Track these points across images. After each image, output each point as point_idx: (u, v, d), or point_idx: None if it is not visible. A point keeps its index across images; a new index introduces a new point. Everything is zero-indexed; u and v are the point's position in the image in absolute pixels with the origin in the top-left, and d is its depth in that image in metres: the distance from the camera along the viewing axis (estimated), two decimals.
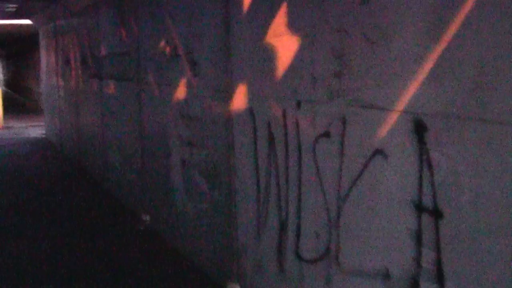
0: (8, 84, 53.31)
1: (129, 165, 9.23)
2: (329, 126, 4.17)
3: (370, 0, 3.73)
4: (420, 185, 3.39)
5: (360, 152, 3.89)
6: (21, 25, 20.16)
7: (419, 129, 3.37)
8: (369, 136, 3.81)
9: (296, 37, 4.48)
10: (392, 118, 3.58)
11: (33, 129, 20.73)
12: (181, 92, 6.78)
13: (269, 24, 4.84)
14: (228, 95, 5.64)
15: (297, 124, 4.54)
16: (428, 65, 3.30)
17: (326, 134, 4.22)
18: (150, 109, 8.01)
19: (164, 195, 7.63)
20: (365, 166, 3.86)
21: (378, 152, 3.75)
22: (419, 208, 3.41)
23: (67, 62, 13.92)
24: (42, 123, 20.52)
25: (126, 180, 9.45)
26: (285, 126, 4.71)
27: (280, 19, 4.68)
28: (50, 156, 15.09)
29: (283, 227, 4.89)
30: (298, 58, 4.47)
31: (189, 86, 6.55)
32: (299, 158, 4.56)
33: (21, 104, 34.09)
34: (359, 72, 3.86)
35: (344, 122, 4.03)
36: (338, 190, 4.14)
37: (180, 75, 6.77)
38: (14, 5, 13.59)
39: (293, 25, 4.52)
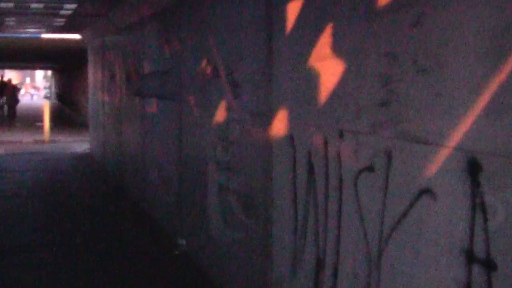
0: (59, 97, 53.96)
1: (167, 187, 8.97)
2: (373, 159, 3.83)
3: (422, 21, 3.39)
4: (472, 231, 3.02)
5: (406, 190, 3.53)
6: (71, 40, 20.23)
7: (473, 168, 3.01)
8: (416, 173, 3.46)
9: (341, 61, 4.16)
10: (443, 154, 3.22)
11: (79, 144, 20.72)
12: (220, 115, 6.50)
13: (313, 46, 4.53)
14: (268, 119, 5.33)
15: (339, 155, 4.21)
16: (486, 97, 2.94)
17: (370, 168, 3.88)
18: (189, 130, 7.76)
19: (201, 220, 7.35)
20: (411, 205, 3.51)
21: (426, 191, 3.39)
22: (470, 257, 3.04)
23: (112, 78, 13.81)
24: (87, 138, 20.50)
25: (163, 202, 9.20)
26: (326, 156, 4.38)
27: (325, 41, 4.36)
28: (92, 173, 14.97)
29: (320, 264, 4.55)
30: (343, 84, 4.14)
31: (229, 108, 6.27)
32: (340, 191, 4.22)
33: (70, 118, 34.36)
34: (407, 102, 3.51)
35: (389, 156, 3.68)
36: (381, 230, 3.79)
37: (220, 97, 6.49)
38: (62, 20, 13.55)
39: (338, 48, 4.21)
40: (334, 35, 4.26)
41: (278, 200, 5.21)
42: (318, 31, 4.45)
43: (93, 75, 17.69)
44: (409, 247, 3.53)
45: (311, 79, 4.56)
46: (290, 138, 4.94)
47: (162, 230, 9.12)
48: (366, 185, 3.93)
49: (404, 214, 3.56)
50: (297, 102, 4.82)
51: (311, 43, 4.56)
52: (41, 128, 23.21)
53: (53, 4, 11.51)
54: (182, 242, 8.20)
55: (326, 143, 4.38)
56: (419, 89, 3.41)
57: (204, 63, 7.06)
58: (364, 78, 3.90)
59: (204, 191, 7.14)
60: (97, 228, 9.43)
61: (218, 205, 6.69)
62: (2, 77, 33.62)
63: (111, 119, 14.26)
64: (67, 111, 40.54)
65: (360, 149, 3.97)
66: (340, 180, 4.21)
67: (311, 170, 4.62)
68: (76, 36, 18.86)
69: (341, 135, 4.18)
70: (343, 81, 4.13)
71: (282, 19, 5.05)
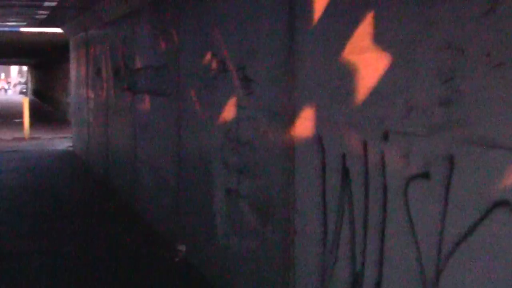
0: (36, 93, 53.08)
1: (163, 188, 8.45)
2: (429, 165, 3.35)
3: (497, 8, 2.90)
4: None
5: (475, 202, 3.06)
6: (51, 34, 19.57)
7: None
8: (488, 182, 2.98)
9: (385, 54, 3.67)
10: None
11: (60, 141, 20.09)
12: (229, 113, 6.00)
13: (348, 37, 4.04)
14: (289, 118, 4.84)
15: (383, 160, 3.73)
16: None
17: (425, 175, 3.39)
18: (190, 129, 7.24)
19: (204, 224, 6.84)
20: (481, 220, 3.03)
21: (501, 204, 2.92)
22: None
23: (98, 73, 13.23)
24: (69, 135, 19.86)
25: (159, 204, 8.67)
26: (365, 160, 3.90)
27: (364, 31, 3.87)
28: (76, 171, 14.38)
29: (357, 281, 4.07)
30: (388, 80, 3.66)
31: (239, 106, 5.77)
32: (384, 201, 3.74)
33: (49, 114, 33.61)
34: (475, 100, 3.04)
35: (451, 162, 3.20)
36: (439, 246, 3.31)
37: (229, 93, 5.99)
38: (45, 12, 12.92)
39: (382, 39, 3.72)
40: (377, 24, 3.77)
41: (302, 208, 4.72)
42: (355, 20, 3.96)
43: (75, 70, 17.07)
44: (478, 268, 3.06)
45: (346, 74, 4.07)
46: (318, 139, 4.45)
47: (159, 234, 8.60)
48: (419, 194, 3.45)
49: (472, 230, 3.09)
50: (327, 99, 4.33)
51: (346, 34, 4.07)
52: (19, 124, 22.50)
53: None
54: (182, 248, 7.69)
55: (365, 145, 3.90)
56: (493, 86, 2.93)
57: (208, 57, 6.55)
58: (417, 73, 3.42)
59: (208, 194, 6.63)
60: (87, 233, 8.88)
61: (225, 210, 6.19)
62: None
63: (96, 115, 13.68)
64: (45, 107, 39.76)
65: (412, 153, 3.49)
66: (384, 188, 3.73)
67: (345, 175, 4.14)
68: (57, 30, 18.21)
69: (385, 137, 3.70)
70: (389, 77, 3.65)
71: (308, 5, 4.55)
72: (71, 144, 18.45)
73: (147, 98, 9.16)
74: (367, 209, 3.92)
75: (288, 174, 4.89)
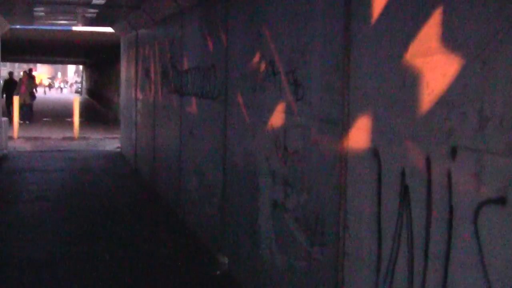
0: (90, 93, 53.48)
1: (208, 196, 8.04)
2: (507, 189, 2.84)
3: None
4: None
5: None
6: (104, 34, 19.42)
7: None
8: None
9: (457, 57, 3.17)
10: None
11: (109, 141, 19.92)
12: (277, 119, 5.55)
13: (412, 38, 3.55)
14: (342, 128, 4.36)
15: (450, 179, 3.23)
16: None
17: (500, 201, 2.89)
18: (236, 135, 6.81)
19: (248, 238, 6.40)
20: None
21: None
22: None
23: (146, 74, 12.91)
24: (118, 136, 19.68)
25: (203, 212, 8.26)
26: (429, 179, 3.40)
27: (431, 31, 3.38)
28: (123, 174, 14.10)
29: None
30: (459, 87, 3.16)
31: (288, 112, 5.31)
32: (449, 226, 3.24)
33: (101, 114, 33.65)
34: None
35: None
36: None
37: (277, 98, 5.54)
38: (95, 10, 12.67)
39: (453, 40, 3.22)
40: (447, 22, 3.27)
41: (355, 228, 4.23)
42: (421, 19, 3.47)
43: (125, 70, 16.83)
44: None
45: (409, 79, 3.58)
46: (373, 152, 3.97)
47: (201, 244, 8.19)
48: (492, 222, 2.94)
49: None
50: (385, 108, 3.84)
51: (409, 34, 3.58)
52: (71, 124, 22.43)
53: None
54: (224, 260, 7.26)
55: (429, 161, 3.40)
56: None
57: (256, 59, 6.11)
58: (495, 78, 2.92)
59: (254, 205, 6.19)
60: (129, 239, 8.52)
61: (271, 225, 5.74)
62: (31, 71, 32.03)
63: (144, 117, 13.37)
64: (98, 107, 39.91)
65: (485, 174, 2.98)
66: (450, 212, 3.23)
67: (404, 194, 3.64)
68: (109, 29, 18.02)
69: (453, 153, 3.20)
70: (460, 82, 3.15)
71: (366, 3, 4.07)
72: (119, 145, 18.23)
73: (194, 100, 8.78)
74: (428, 234, 3.42)
75: (340, 189, 4.41)
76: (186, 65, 9.25)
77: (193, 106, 8.84)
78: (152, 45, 12.18)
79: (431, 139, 3.38)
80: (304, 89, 4.98)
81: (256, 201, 6.13)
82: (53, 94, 65.18)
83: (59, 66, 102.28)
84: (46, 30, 19.59)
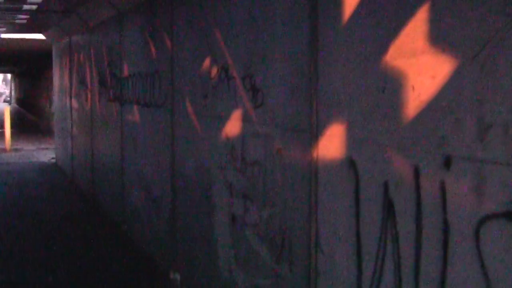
0: (20, 102, 52.02)
1: (155, 209, 7.60)
2: None
3: None
4: None
5: None
6: (34, 41, 18.64)
7: None
8: None
9: (449, 57, 2.86)
10: None
11: (43, 152, 19.17)
12: (233, 127, 5.17)
13: (393, 37, 3.23)
14: (310, 136, 4.02)
15: (444, 192, 2.91)
16: None
17: (505, 215, 2.59)
18: (186, 145, 6.41)
19: (204, 254, 6.01)
20: None
21: None
22: None
23: (82, 82, 12.36)
24: (53, 146, 18.95)
25: (151, 226, 7.82)
26: (418, 192, 3.08)
27: (417, 29, 3.06)
28: (60, 186, 13.48)
29: None
30: (451, 91, 2.85)
31: (246, 119, 4.95)
32: (444, 245, 2.93)
33: (32, 124, 32.62)
34: None
35: None
36: None
37: (233, 105, 5.17)
38: (25, 17, 12.04)
39: (442, 39, 2.91)
40: (437, 20, 2.95)
41: (328, 245, 3.89)
42: (405, 14, 3.15)
43: (58, 78, 16.17)
44: None
45: (391, 82, 3.26)
46: (349, 162, 3.63)
47: (150, 259, 7.74)
48: (497, 239, 2.64)
49: None
50: (362, 114, 3.51)
51: (390, 32, 3.26)
52: (2, 134, 21.55)
53: None
54: (176, 277, 6.85)
55: (417, 172, 3.08)
56: None
57: (207, 63, 5.72)
58: (496, 81, 2.61)
59: (209, 219, 5.80)
60: (73, 259, 8.01)
61: (230, 240, 5.36)
62: None
63: (81, 127, 12.80)
64: (29, 117, 38.75)
65: (487, 186, 2.68)
66: (445, 229, 2.92)
67: (389, 209, 3.32)
68: (39, 36, 17.30)
69: (447, 163, 2.88)
70: (454, 86, 2.84)
71: (336, 1, 3.74)
72: (54, 156, 17.54)
73: (136, 108, 8.32)
74: (419, 255, 3.10)
75: (309, 202, 4.07)
76: (126, 71, 8.79)
77: (135, 114, 8.39)
78: (88, 51, 11.65)
79: (419, 148, 3.06)
80: (264, 95, 4.63)
81: (211, 215, 5.74)
82: None
83: None
84: None
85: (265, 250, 4.70)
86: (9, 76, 69.80)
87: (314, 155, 3.97)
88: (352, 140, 3.61)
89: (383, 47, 3.30)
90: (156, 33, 7.31)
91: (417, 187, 3.08)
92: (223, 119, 5.36)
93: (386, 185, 3.32)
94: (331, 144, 3.80)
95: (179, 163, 6.64)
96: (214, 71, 5.54)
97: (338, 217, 3.77)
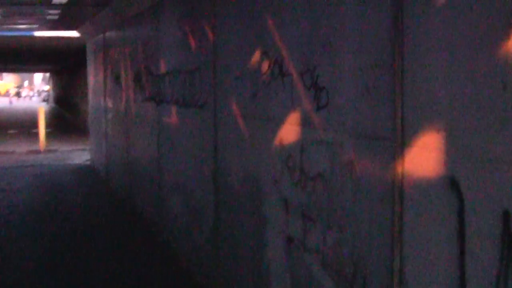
0: (58, 100, 51.94)
1: (196, 221, 6.84)
2: None
3: None
4: None
5: None
6: (68, 38, 18.09)
7: None
8: None
9: None
10: None
11: (78, 154, 18.61)
12: (288, 133, 4.37)
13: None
14: (392, 145, 3.20)
15: None
16: None
17: None
18: (231, 151, 5.63)
19: (252, 278, 5.22)
20: None
21: None
22: None
23: (116, 80, 11.66)
24: (89, 147, 18.37)
25: (191, 240, 7.05)
26: None
27: None
28: (94, 190, 12.82)
29: None
30: None
31: (305, 123, 4.14)
32: None
33: (69, 123, 32.25)
34: None
35: None
36: None
37: (288, 105, 4.36)
38: (56, 12, 11.37)
39: None
40: None
41: (419, 282, 3.07)
42: None
43: (93, 77, 15.54)
44: None
45: (511, 78, 2.43)
46: (450, 182, 2.80)
47: (189, 275, 6.99)
48: None
49: None
50: (471, 119, 2.68)
51: (509, 11, 2.43)
52: (37, 135, 21.07)
53: None
54: None
55: None
56: None
57: (256, 57, 4.93)
58: None
59: (259, 239, 5.01)
60: (107, 270, 7.29)
61: (285, 265, 4.56)
62: None
63: (115, 128, 12.12)
64: (66, 115, 38.46)
65: None
66: None
67: (510, 245, 2.49)
68: (73, 33, 16.72)
69: None
70: None
71: None
72: (89, 158, 16.93)
73: (174, 109, 7.58)
74: None
75: (391, 228, 3.25)
76: (163, 68, 8.05)
77: (172, 115, 7.64)
78: (122, 47, 10.94)
79: None
80: (329, 94, 3.81)
81: (261, 234, 4.95)
82: (20, 104, 63.42)
83: (26, 74, 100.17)
84: (6, 36, 18.27)
85: (330, 282, 3.89)
86: (48, 74, 70.10)
87: (399, 170, 3.15)
88: (455, 153, 2.77)
89: (504, 28, 2.46)
90: (196, 24, 6.53)
91: None
92: (276, 123, 4.56)
93: (506, 215, 2.49)
94: (423, 157, 2.97)
95: (223, 172, 5.86)
96: (265, 65, 4.74)
97: (433, 250, 2.94)
